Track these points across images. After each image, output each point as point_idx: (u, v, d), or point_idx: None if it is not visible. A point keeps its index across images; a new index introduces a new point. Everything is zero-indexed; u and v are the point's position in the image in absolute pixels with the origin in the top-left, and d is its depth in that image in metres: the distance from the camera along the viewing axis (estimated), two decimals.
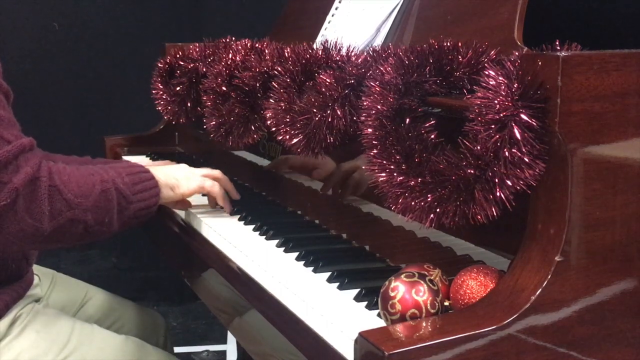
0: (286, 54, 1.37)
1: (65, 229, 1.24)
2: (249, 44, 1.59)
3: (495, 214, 0.89)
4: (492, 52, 1.05)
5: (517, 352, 0.84)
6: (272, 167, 1.68)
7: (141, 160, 2.06)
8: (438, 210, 0.94)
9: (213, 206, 1.54)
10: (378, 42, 1.38)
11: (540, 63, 0.86)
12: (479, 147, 0.88)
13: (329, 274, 1.13)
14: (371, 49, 1.22)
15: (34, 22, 3.03)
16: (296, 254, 1.24)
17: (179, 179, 1.45)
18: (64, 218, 1.23)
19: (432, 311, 0.91)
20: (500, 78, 0.87)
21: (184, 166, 1.51)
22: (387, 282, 0.94)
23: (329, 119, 1.18)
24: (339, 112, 1.17)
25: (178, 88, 1.73)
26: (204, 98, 1.58)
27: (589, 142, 0.87)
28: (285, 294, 1.11)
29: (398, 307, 0.91)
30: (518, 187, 0.87)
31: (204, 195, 1.56)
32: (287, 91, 1.29)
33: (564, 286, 0.86)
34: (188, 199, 1.54)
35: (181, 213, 1.60)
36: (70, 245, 1.30)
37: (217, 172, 1.52)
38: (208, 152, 2.04)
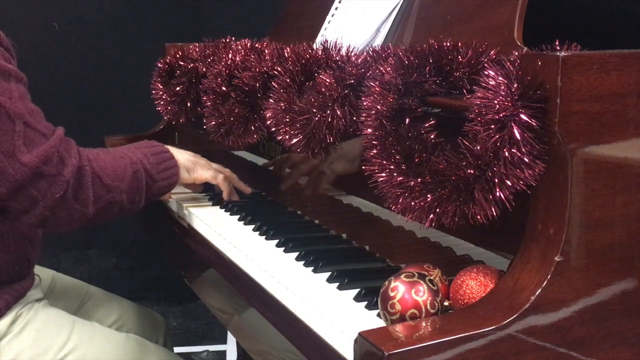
0: (286, 54, 1.37)
1: (105, 210, 1.34)
2: (249, 44, 1.59)
3: (495, 214, 0.89)
4: (492, 52, 1.04)
5: (517, 352, 0.84)
6: (272, 167, 1.69)
7: None
8: (438, 210, 0.94)
9: (227, 198, 1.59)
10: (378, 42, 1.37)
11: (540, 63, 0.86)
12: (478, 147, 0.88)
13: (328, 274, 1.13)
14: (371, 49, 1.22)
15: (34, 22, 3.03)
16: (296, 254, 1.24)
17: (195, 164, 1.55)
18: (104, 201, 1.33)
19: (432, 311, 0.91)
20: (500, 78, 0.87)
21: (199, 156, 1.61)
22: (387, 282, 0.94)
23: (329, 119, 1.18)
24: (338, 112, 1.17)
25: (178, 88, 1.73)
26: (204, 98, 1.58)
27: (588, 142, 0.87)
28: (285, 294, 1.11)
29: (398, 307, 0.91)
30: (518, 187, 0.87)
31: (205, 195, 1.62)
32: (287, 91, 1.29)
33: (564, 286, 0.86)
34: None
35: (180, 212, 1.60)
36: (103, 222, 1.42)
37: (227, 170, 1.62)
38: (208, 152, 2.03)
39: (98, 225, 1.44)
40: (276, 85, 1.31)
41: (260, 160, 1.77)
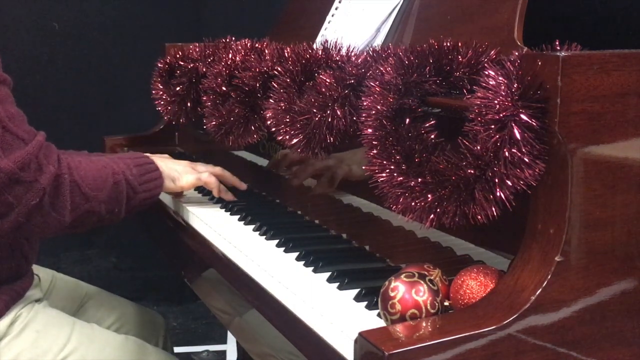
0: (286, 54, 1.37)
1: (82, 219, 1.33)
2: (249, 44, 1.59)
3: (495, 214, 0.89)
4: (492, 52, 1.04)
5: (517, 352, 0.84)
6: (271, 167, 1.69)
7: None
8: (438, 210, 0.94)
9: (217, 194, 1.58)
10: (378, 42, 1.38)
11: (540, 63, 0.86)
12: (479, 147, 0.88)
13: (329, 274, 1.13)
14: (371, 49, 1.22)
15: (34, 22, 3.03)
16: (296, 254, 1.24)
17: (180, 172, 1.53)
18: (82, 210, 1.31)
19: (432, 311, 0.91)
20: (500, 78, 0.87)
21: (185, 162, 1.59)
22: (387, 282, 0.94)
23: (329, 119, 1.18)
24: (339, 112, 1.17)
25: (178, 88, 1.73)
26: (204, 98, 1.58)
27: (589, 142, 0.87)
28: (285, 294, 1.11)
29: (398, 307, 0.91)
30: (518, 187, 0.87)
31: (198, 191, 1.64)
32: (287, 91, 1.29)
33: (564, 286, 0.86)
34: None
35: (181, 213, 1.60)
36: (81, 232, 1.41)
37: (217, 169, 1.59)
38: (208, 152, 2.04)
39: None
40: (276, 85, 1.31)
41: (260, 160, 1.77)
